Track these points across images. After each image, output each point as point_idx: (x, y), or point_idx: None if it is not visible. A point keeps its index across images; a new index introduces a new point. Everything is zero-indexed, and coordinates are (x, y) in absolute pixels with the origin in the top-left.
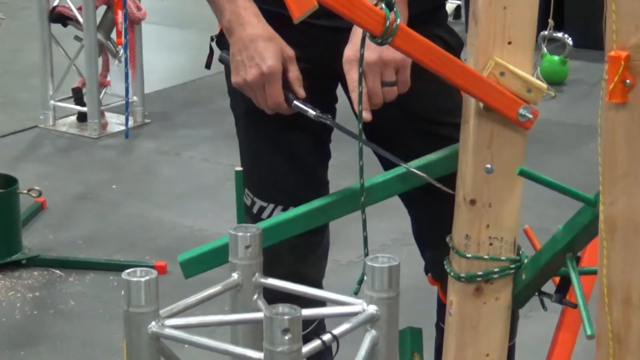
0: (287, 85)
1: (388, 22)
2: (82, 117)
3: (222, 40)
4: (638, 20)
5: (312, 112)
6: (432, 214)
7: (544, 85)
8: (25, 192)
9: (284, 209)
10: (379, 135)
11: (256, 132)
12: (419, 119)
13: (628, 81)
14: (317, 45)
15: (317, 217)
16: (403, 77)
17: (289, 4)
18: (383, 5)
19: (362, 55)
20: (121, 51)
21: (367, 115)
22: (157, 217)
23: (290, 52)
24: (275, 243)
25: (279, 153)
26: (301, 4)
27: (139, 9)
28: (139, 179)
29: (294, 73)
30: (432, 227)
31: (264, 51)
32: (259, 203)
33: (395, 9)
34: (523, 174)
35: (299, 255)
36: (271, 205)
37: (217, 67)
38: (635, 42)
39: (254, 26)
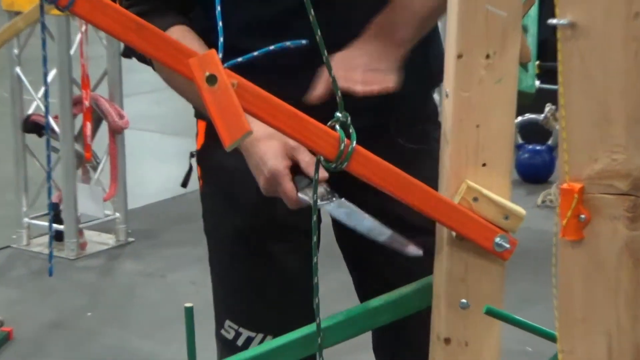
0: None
1: (343, 145)
2: (58, 236)
3: (202, 155)
4: (592, 150)
5: (312, 202)
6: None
7: (523, 211)
8: None
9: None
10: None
11: (245, 255)
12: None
13: (583, 216)
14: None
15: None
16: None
17: (219, 131)
18: (337, 127)
19: (315, 181)
20: (98, 167)
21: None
22: (135, 347)
23: (292, 142)
24: None
25: (273, 275)
26: (232, 131)
27: (121, 117)
28: (118, 304)
29: (304, 160)
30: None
31: (263, 154)
32: (246, 334)
33: (351, 131)
34: (490, 313)
35: None
36: (260, 335)
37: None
38: (590, 174)
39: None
